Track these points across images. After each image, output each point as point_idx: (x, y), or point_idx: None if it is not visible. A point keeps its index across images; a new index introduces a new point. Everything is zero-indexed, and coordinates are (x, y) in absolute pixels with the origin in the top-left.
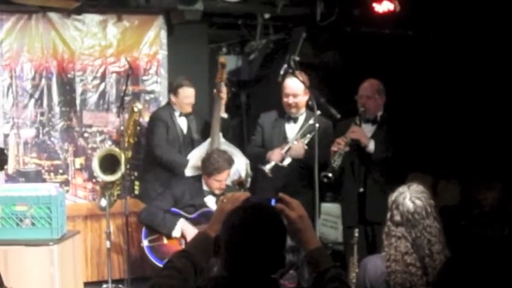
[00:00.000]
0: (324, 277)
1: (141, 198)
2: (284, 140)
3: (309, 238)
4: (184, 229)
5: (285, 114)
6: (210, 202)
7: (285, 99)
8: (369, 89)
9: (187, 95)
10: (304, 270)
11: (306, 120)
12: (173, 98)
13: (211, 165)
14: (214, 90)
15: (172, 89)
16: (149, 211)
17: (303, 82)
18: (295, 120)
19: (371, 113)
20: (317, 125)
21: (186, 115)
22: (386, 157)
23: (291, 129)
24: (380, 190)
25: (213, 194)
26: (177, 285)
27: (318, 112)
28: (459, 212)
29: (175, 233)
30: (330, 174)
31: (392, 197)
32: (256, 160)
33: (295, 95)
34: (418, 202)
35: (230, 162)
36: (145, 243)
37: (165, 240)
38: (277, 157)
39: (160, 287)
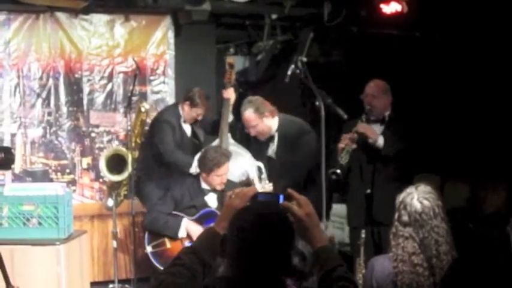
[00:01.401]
0: (331, 275)
1: (141, 201)
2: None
3: (317, 236)
4: (189, 228)
5: None
6: (211, 200)
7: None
8: (374, 88)
9: (198, 112)
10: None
11: (280, 137)
12: (186, 107)
13: (209, 162)
14: (223, 92)
15: (191, 101)
16: (152, 216)
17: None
18: (272, 139)
19: (377, 112)
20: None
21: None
22: (397, 151)
23: (272, 149)
24: (387, 191)
25: (214, 191)
26: (185, 283)
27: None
28: (466, 214)
29: (181, 233)
30: (339, 171)
31: (400, 197)
32: None
33: (253, 126)
34: (425, 202)
35: (228, 155)
36: (148, 249)
37: (168, 245)
38: None
39: (168, 285)
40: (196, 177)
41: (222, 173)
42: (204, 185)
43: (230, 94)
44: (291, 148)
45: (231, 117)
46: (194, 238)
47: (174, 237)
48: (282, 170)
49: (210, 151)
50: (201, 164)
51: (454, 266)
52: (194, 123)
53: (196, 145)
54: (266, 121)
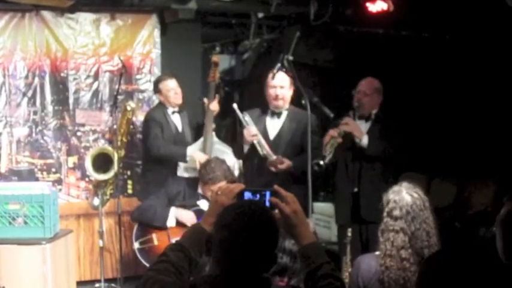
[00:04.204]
0: (318, 273)
1: (140, 198)
2: (264, 134)
3: (303, 233)
4: (178, 215)
5: (268, 110)
6: (203, 205)
7: (271, 91)
8: (367, 86)
9: (170, 87)
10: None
11: (289, 117)
12: (160, 97)
13: (207, 175)
14: (205, 100)
15: (155, 88)
16: (141, 208)
17: (292, 77)
18: (278, 115)
19: (366, 110)
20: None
21: (179, 112)
22: (381, 152)
23: (273, 124)
24: (374, 189)
25: (208, 199)
26: (171, 281)
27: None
28: (453, 213)
29: (170, 222)
30: (322, 162)
31: (388, 195)
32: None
33: (282, 87)
34: (415, 195)
35: (227, 175)
36: (136, 245)
37: (156, 241)
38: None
39: (155, 283)
40: (195, 179)
41: (215, 189)
42: (199, 190)
43: (214, 107)
44: (302, 133)
45: (212, 125)
46: (185, 222)
47: (163, 227)
48: (289, 150)
49: (211, 164)
50: (200, 172)
51: (432, 258)
52: (181, 112)
53: (187, 138)
54: (290, 93)
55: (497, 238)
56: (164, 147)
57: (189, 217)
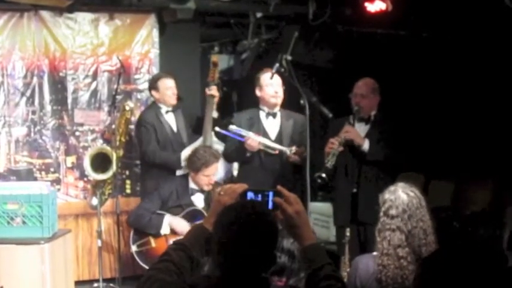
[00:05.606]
0: (319, 274)
1: (140, 196)
2: (265, 134)
3: (305, 234)
4: (172, 223)
5: (260, 112)
6: (198, 200)
7: (268, 89)
8: (363, 87)
9: (168, 85)
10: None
11: (284, 117)
12: (155, 94)
13: (198, 161)
14: (206, 90)
15: (152, 85)
16: (137, 214)
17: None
18: (273, 115)
19: (365, 112)
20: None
21: (173, 111)
22: (383, 155)
23: (271, 125)
24: (373, 190)
25: (201, 191)
26: (171, 281)
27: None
28: (451, 213)
29: (164, 230)
30: (324, 175)
31: (384, 195)
32: (234, 155)
33: (278, 85)
34: (411, 193)
35: (217, 155)
36: (133, 248)
37: (153, 244)
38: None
39: (155, 282)
40: (185, 176)
41: (209, 173)
42: (192, 185)
43: (214, 92)
44: (299, 132)
45: (215, 114)
46: (178, 231)
47: (157, 234)
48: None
49: (200, 150)
50: (190, 162)
51: (430, 259)
52: (175, 111)
53: (184, 138)
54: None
55: None
56: (159, 154)
57: (182, 226)
